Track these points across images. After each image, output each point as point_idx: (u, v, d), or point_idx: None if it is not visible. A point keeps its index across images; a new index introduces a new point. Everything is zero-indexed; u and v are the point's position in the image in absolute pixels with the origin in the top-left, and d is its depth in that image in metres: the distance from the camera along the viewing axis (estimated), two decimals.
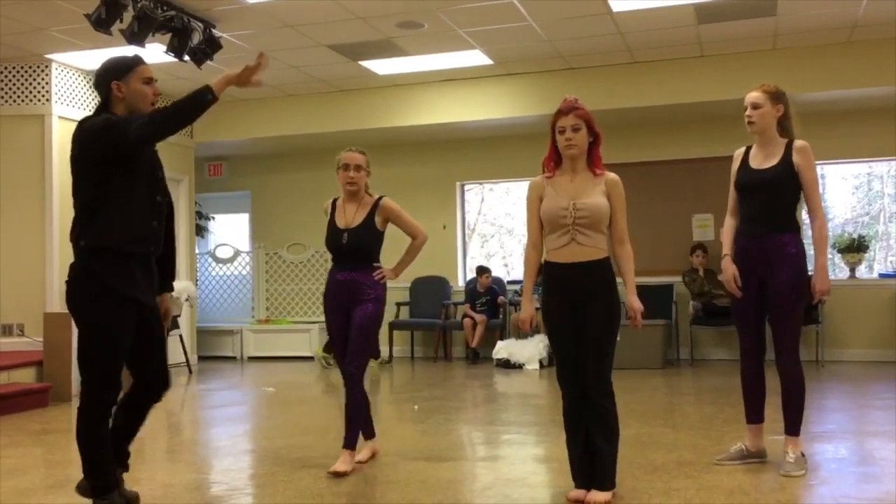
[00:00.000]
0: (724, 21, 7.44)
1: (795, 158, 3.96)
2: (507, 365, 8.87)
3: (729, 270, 4.09)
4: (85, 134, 3.27)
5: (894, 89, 8.09)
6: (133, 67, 3.36)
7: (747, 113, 4.04)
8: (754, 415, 4.14)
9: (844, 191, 10.68)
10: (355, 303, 4.27)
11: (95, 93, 3.43)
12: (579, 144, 3.51)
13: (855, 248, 9.05)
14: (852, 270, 9.07)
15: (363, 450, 4.44)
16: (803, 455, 4.01)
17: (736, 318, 4.17)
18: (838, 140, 8.83)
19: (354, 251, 4.30)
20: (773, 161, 3.99)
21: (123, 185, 3.26)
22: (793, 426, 3.99)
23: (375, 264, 4.35)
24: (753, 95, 4.05)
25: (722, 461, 4.17)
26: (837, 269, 9.50)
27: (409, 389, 7.89)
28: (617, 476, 3.56)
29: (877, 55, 7.90)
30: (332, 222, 4.40)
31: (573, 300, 3.51)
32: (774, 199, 3.98)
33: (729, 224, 4.18)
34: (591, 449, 3.53)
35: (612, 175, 3.58)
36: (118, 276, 3.23)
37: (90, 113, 3.43)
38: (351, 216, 4.35)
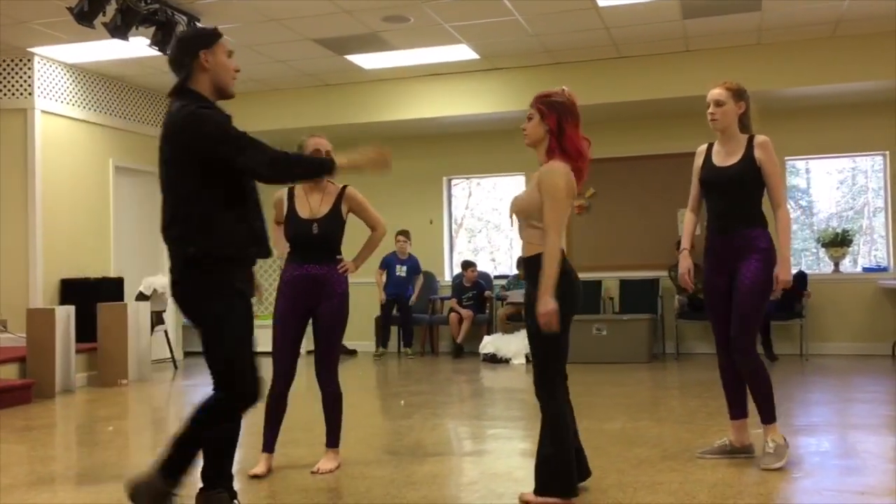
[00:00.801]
0: (710, 16, 7.47)
1: (757, 153, 3.97)
2: (493, 359, 8.89)
3: (684, 265, 4.16)
4: (192, 129, 2.94)
5: (878, 84, 8.15)
6: (218, 38, 3.05)
7: (710, 110, 4.04)
8: (736, 409, 4.14)
9: (829, 185, 10.74)
10: (321, 298, 4.06)
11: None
12: (529, 133, 3.45)
13: (839, 242, 9.10)
14: (836, 265, 9.12)
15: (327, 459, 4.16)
16: (785, 440, 4.00)
17: (710, 314, 4.15)
18: (823, 135, 8.87)
19: (325, 242, 4.10)
20: (736, 158, 4.00)
21: (236, 187, 2.98)
22: (766, 415, 3.98)
23: (339, 257, 4.16)
24: (716, 92, 4.04)
25: (704, 454, 4.18)
26: (822, 263, 9.57)
27: (396, 384, 7.89)
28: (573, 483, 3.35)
29: (861, 50, 7.95)
30: (293, 213, 4.12)
31: (531, 296, 3.44)
32: (739, 196, 3.99)
33: (688, 219, 4.24)
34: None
35: (547, 164, 3.37)
36: (229, 272, 3.00)
37: (171, 90, 3.05)
38: (316, 206, 4.10)
